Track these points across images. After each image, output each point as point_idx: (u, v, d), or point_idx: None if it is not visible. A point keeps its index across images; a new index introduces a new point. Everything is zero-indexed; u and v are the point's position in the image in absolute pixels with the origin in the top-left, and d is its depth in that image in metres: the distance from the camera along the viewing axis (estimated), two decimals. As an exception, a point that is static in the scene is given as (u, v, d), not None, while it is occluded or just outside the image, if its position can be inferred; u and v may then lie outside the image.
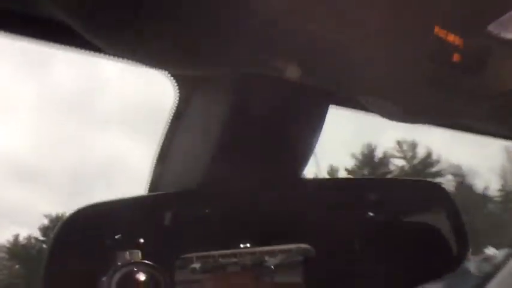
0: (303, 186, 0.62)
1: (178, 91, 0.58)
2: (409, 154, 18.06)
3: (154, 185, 0.63)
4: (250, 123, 0.57)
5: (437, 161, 17.86)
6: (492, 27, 0.50)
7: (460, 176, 18.23)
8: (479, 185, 18.13)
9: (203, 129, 0.59)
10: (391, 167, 18.52)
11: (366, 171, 18.12)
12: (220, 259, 0.54)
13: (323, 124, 0.62)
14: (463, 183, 18.14)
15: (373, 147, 18.33)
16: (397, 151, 18.32)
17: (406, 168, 18.18)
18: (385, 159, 18.35)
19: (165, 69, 0.44)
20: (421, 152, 18.06)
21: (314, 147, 0.62)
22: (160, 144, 0.61)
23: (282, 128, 0.59)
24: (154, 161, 0.62)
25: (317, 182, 0.64)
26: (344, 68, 0.44)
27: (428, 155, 17.90)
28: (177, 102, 0.58)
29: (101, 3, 0.32)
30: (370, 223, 0.65)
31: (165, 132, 0.60)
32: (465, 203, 17.17)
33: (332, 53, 0.41)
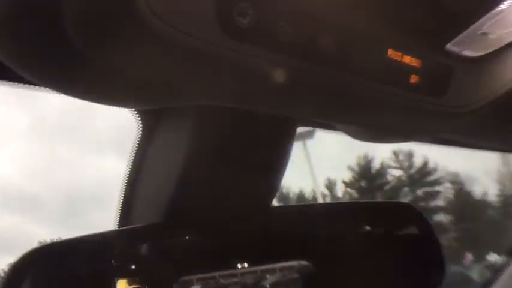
0: (274, 214, 0.61)
1: (140, 122, 0.57)
2: (406, 164, 18.08)
3: (124, 216, 0.61)
4: (215, 151, 0.56)
5: (435, 170, 17.89)
6: (451, 46, 0.50)
7: (458, 183, 18.24)
8: (477, 191, 18.15)
9: (169, 159, 0.58)
10: (389, 178, 18.53)
11: (363, 183, 18.09)
12: (221, 280, 0.53)
13: (292, 145, 0.61)
14: (461, 190, 18.14)
15: (369, 158, 18.36)
16: (394, 161, 18.34)
17: (404, 178, 18.18)
18: (382, 170, 18.35)
19: (121, 107, 0.43)
20: (417, 161, 18.08)
21: (284, 169, 0.61)
22: (127, 177, 0.59)
23: (249, 153, 0.58)
24: (122, 194, 0.60)
25: (290, 209, 0.62)
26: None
27: (425, 163, 17.93)
28: (140, 132, 0.58)
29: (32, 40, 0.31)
30: (349, 243, 0.64)
31: (130, 164, 0.59)
32: (465, 210, 17.16)
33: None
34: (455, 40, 0.49)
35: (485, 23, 0.48)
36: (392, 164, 18.35)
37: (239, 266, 0.55)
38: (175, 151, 0.57)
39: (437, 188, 18.10)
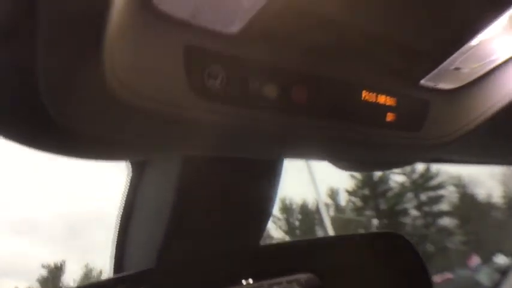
0: (265, 251, 0.61)
1: (130, 167, 0.58)
2: (408, 169, 18.01)
3: (118, 262, 0.62)
4: (203, 193, 0.57)
5: (437, 174, 17.83)
6: (425, 82, 0.51)
7: (461, 187, 18.17)
8: (481, 193, 18.08)
9: (158, 202, 0.59)
10: (392, 184, 18.45)
11: (366, 191, 18.02)
12: None
13: (279, 181, 0.62)
14: (465, 193, 18.07)
15: (371, 165, 18.26)
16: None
17: (407, 184, 18.11)
18: (384, 177, 18.29)
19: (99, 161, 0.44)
20: (419, 166, 18.02)
21: (273, 206, 0.62)
22: (119, 223, 0.60)
23: (237, 193, 0.59)
24: (115, 240, 0.61)
25: (278, 247, 0.63)
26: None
27: (427, 168, 17.88)
28: (130, 176, 0.59)
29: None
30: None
31: (121, 210, 0.60)
32: (470, 213, 17.05)
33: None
34: (429, 76, 0.50)
35: (457, 59, 0.49)
36: (395, 170, 18.29)
37: (244, 282, 0.56)
38: (164, 194, 0.58)
39: (440, 192, 18.03)
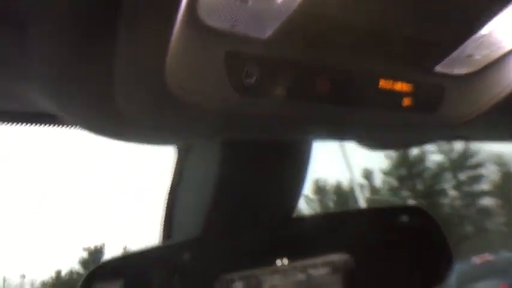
0: (298, 221, 0.68)
1: (176, 150, 0.66)
2: (446, 148, 17.52)
3: (166, 229, 0.71)
4: (241, 168, 0.64)
5: (477, 152, 17.24)
6: (440, 68, 0.56)
7: (503, 165, 17.54)
8: (525, 172, 17.37)
9: (201, 179, 0.67)
10: (429, 164, 18.02)
11: (402, 171, 17.70)
12: (261, 277, 0.58)
13: (309, 159, 0.69)
14: (507, 173, 17.43)
15: (407, 145, 17.81)
16: (434, 146, 17.79)
17: (445, 163, 17.63)
18: (421, 156, 17.86)
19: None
20: (458, 145, 17.48)
21: (304, 180, 0.69)
22: (166, 199, 0.69)
23: (270, 171, 0.66)
24: (164, 210, 0.70)
25: (310, 220, 0.70)
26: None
27: (466, 146, 17.32)
28: (176, 158, 0.67)
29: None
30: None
31: (169, 183, 0.69)
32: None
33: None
34: (443, 63, 0.55)
35: (469, 47, 0.54)
36: (433, 149, 17.84)
37: (279, 263, 0.60)
38: (206, 173, 0.66)
39: (480, 171, 17.45)
